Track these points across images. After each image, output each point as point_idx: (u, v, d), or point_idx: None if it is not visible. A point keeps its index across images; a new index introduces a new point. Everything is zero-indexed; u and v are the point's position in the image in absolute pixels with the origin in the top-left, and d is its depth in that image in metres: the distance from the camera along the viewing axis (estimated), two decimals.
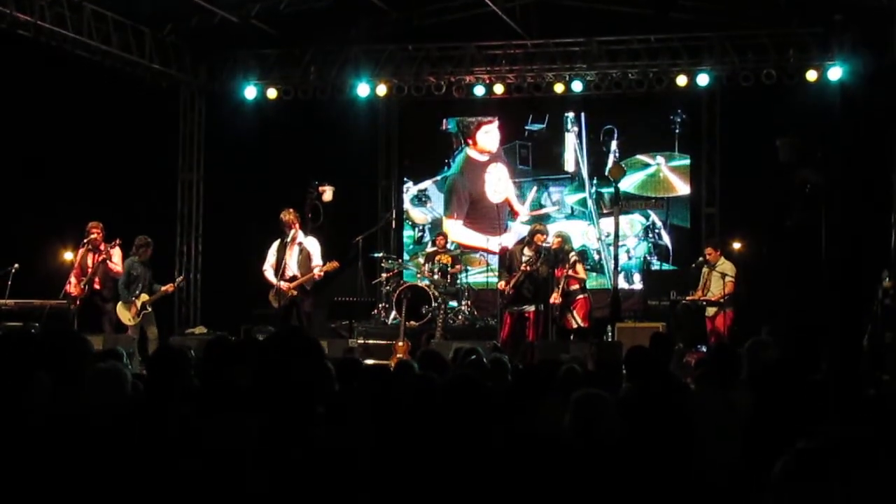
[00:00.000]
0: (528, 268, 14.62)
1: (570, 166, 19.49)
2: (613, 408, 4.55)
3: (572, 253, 15.27)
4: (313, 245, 14.27)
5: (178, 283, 15.98)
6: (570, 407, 4.57)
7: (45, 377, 4.15)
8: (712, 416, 5.64)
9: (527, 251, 14.96)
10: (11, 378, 4.06)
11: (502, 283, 15.10)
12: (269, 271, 14.28)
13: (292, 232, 14.14)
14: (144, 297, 14.77)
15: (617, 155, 19.08)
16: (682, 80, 17.67)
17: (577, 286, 14.91)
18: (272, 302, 14.32)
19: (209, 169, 19.75)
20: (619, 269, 15.49)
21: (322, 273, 14.15)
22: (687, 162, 19.09)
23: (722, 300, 15.12)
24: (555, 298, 14.79)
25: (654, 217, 19.17)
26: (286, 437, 3.36)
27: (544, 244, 14.94)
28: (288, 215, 14.22)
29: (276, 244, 14.33)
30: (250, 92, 19.02)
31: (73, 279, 14.28)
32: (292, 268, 14.13)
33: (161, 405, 5.56)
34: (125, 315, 14.77)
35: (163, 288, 15.12)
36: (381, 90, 18.73)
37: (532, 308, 14.75)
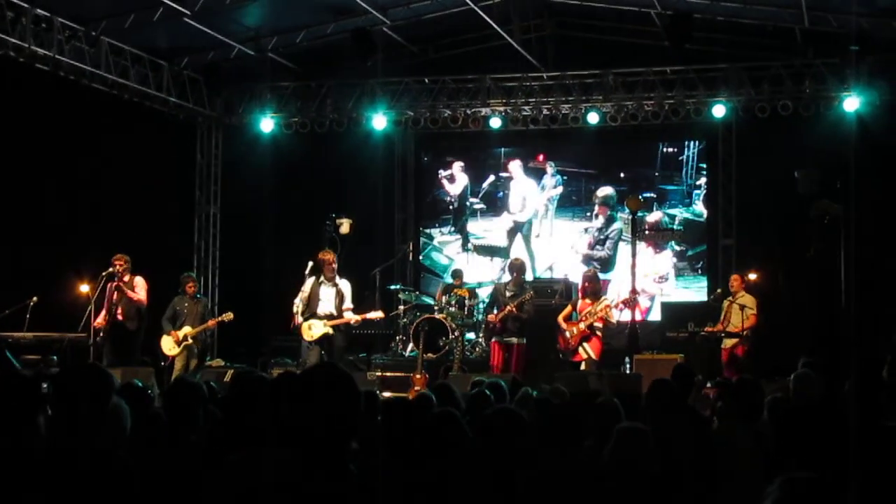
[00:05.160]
0: (514, 309, 14.94)
1: None
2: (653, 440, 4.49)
3: (606, 299, 15.05)
4: (347, 288, 14.51)
5: (220, 318, 15.76)
6: (614, 438, 4.49)
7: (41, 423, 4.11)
8: (736, 450, 5.60)
9: (510, 287, 15.37)
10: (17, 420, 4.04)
11: (491, 315, 15.33)
12: (297, 305, 14.43)
13: (332, 273, 14.34)
14: (188, 329, 15.09)
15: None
16: (698, 112, 17.70)
17: (601, 325, 14.72)
18: (303, 335, 14.43)
19: (226, 201, 19.79)
20: (637, 299, 15.43)
21: (360, 320, 14.50)
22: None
23: (743, 332, 15.01)
24: (573, 334, 14.64)
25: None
26: (321, 472, 3.32)
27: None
28: (328, 255, 14.43)
29: (311, 281, 14.48)
30: (267, 125, 19.07)
31: (102, 311, 14.20)
32: (328, 305, 14.30)
33: (173, 439, 5.54)
34: (166, 345, 15.14)
35: (207, 322, 15.52)
36: (397, 123, 18.83)
37: (516, 341, 15.05)
